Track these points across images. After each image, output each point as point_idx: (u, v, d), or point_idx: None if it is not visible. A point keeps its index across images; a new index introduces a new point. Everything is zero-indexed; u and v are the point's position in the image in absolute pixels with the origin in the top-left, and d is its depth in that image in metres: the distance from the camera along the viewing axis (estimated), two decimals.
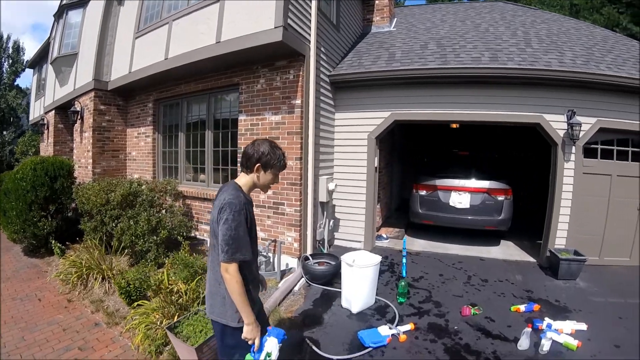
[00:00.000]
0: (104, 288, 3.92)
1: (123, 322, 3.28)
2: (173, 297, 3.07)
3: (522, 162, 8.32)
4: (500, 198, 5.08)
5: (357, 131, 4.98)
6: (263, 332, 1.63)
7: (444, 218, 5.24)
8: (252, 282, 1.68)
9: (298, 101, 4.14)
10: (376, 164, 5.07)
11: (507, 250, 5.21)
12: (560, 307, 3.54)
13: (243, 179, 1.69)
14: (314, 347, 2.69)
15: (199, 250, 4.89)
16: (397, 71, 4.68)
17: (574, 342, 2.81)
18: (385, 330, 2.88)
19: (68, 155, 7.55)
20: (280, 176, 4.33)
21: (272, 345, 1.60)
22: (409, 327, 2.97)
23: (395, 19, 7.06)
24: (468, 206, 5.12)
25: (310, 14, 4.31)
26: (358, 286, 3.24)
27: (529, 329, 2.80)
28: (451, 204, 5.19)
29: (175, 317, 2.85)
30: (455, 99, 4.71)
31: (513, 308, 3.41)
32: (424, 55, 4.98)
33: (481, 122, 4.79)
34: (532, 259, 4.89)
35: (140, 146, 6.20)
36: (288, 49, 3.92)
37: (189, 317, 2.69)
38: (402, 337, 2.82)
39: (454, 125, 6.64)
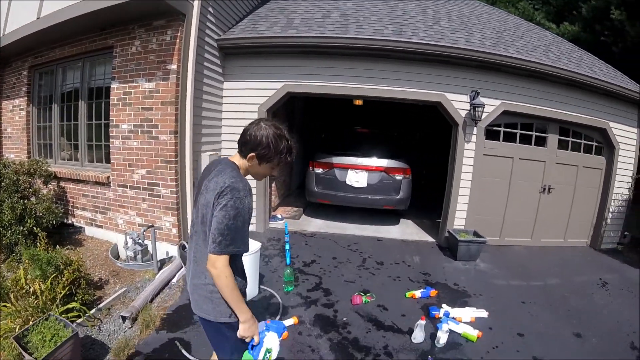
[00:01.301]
0: None
1: None
2: (30, 299, 2.59)
3: (424, 142, 8.32)
4: (399, 177, 4.99)
5: (247, 102, 4.56)
6: None
7: (340, 197, 5.06)
8: (242, 275, 1.58)
9: (174, 66, 3.66)
10: None
11: (406, 230, 5.16)
12: (460, 291, 3.35)
13: (238, 161, 1.44)
14: (183, 351, 2.37)
15: (75, 239, 4.31)
16: (292, 38, 4.33)
17: (473, 333, 2.61)
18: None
19: None
20: (154, 153, 3.98)
21: (272, 340, 1.49)
22: (292, 321, 2.69)
23: None
24: (365, 185, 4.98)
25: None
26: None
27: (422, 322, 2.56)
28: (348, 182, 5.00)
29: (30, 322, 2.43)
30: (355, 72, 4.47)
31: (408, 294, 3.18)
32: (324, 24, 4.66)
33: (380, 98, 4.61)
34: (431, 239, 4.83)
35: (15, 121, 5.34)
36: (166, 6, 3.43)
37: (39, 323, 2.33)
38: (284, 334, 2.52)
39: (358, 102, 6.44)
